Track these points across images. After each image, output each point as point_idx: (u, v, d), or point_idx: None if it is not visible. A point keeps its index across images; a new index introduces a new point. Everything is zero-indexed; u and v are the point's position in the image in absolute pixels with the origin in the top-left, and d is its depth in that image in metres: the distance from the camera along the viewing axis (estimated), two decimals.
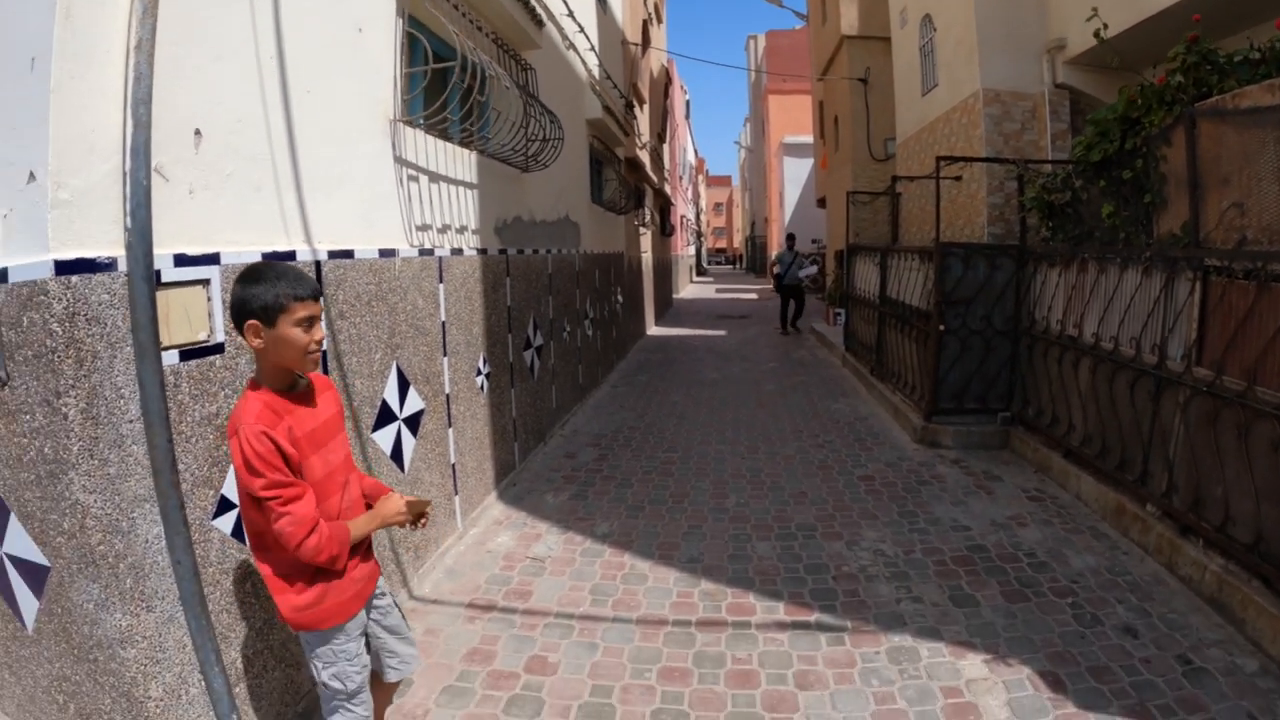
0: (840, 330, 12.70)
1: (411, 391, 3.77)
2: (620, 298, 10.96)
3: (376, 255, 3.40)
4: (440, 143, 4.21)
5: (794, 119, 28.37)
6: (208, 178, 2.35)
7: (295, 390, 1.99)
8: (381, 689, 2.34)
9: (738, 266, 57.04)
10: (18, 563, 2.19)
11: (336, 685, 2.06)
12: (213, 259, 2.33)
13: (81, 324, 1.89)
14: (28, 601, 2.23)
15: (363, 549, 2.12)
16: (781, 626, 3.44)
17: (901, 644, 3.26)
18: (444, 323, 4.19)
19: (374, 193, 3.45)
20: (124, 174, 1.95)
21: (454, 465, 4.35)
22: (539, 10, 5.55)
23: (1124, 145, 4.75)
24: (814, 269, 14.60)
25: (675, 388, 9.19)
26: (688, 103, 30.50)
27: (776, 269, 14.43)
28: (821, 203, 19.43)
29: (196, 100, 2.28)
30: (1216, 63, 4.17)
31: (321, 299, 1.99)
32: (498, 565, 4.12)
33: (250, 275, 1.87)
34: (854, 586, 3.80)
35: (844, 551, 4.22)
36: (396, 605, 2.36)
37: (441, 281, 4.15)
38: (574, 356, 7.71)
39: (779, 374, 10.11)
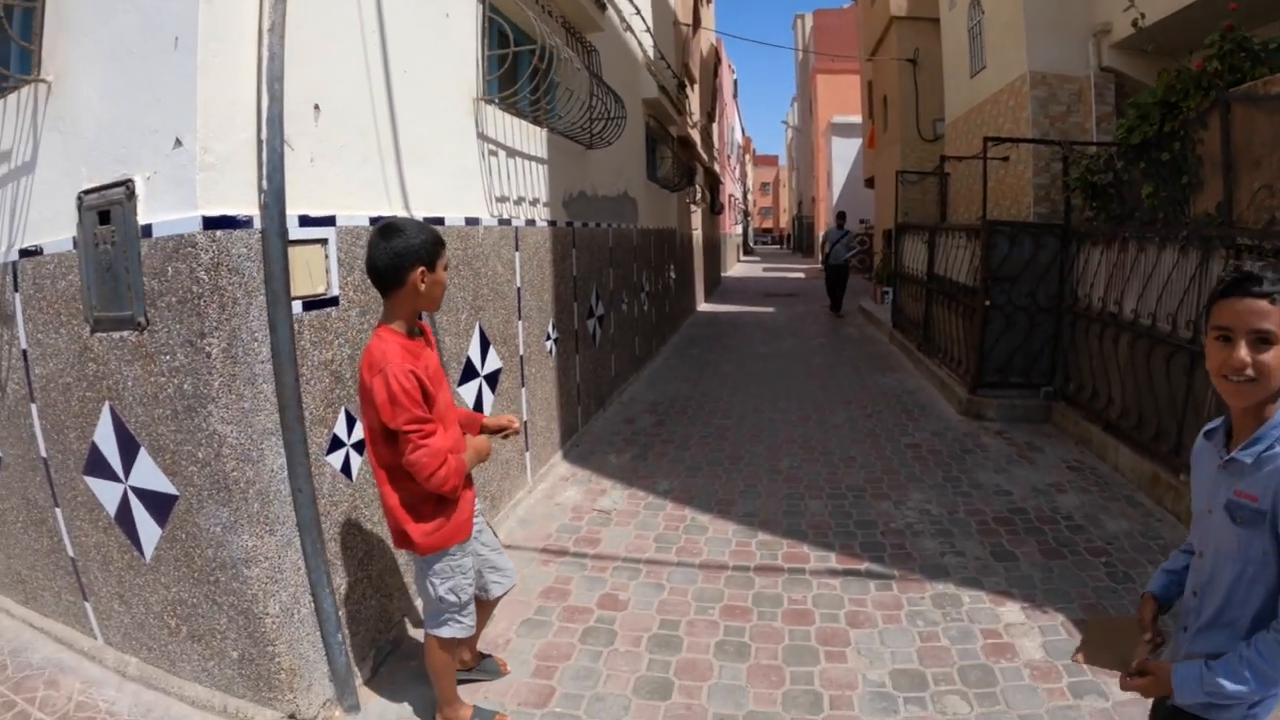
0: (887, 308, 12.80)
1: (491, 351, 4.13)
2: (673, 273, 11.23)
3: (463, 223, 3.75)
4: (515, 121, 4.53)
5: (842, 98, 28.05)
6: (325, 148, 2.69)
7: (414, 335, 2.23)
8: (483, 607, 2.66)
9: (784, 246, 56.63)
10: (143, 494, 2.52)
11: (451, 599, 2.33)
12: (330, 221, 2.68)
13: (224, 273, 2.22)
14: (149, 530, 2.55)
15: (469, 496, 2.42)
16: (834, 574, 3.72)
17: (945, 591, 3.52)
18: (519, 289, 4.54)
19: (460, 166, 3.79)
20: (260, 142, 2.29)
21: (525, 423, 4.71)
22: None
23: (1163, 128, 4.86)
24: (857, 249, 14.33)
25: (727, 360, 9.46)
26: (735, 82, 30.35)
27: (825, 247, 13.94)
28: (869, 183, 19.34)
29: (315, 77, 2.60)
30: (1251, 50, 4.27)
31: None
32: (566, 516, 4.48)
33: (400, 229, 2.14)
34: (901, 541, 4.07)
35: (891, 510, 4.48)
36: (489, 525, 2.67)
37: (517, 250, 4.49)
38: (631, 328, 8.03)
39: (827, 349, 10.30)
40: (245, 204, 2.31)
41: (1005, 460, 5.34)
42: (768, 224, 74.28)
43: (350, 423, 2.81)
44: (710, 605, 3.42)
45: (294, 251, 2.46)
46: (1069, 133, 7.19)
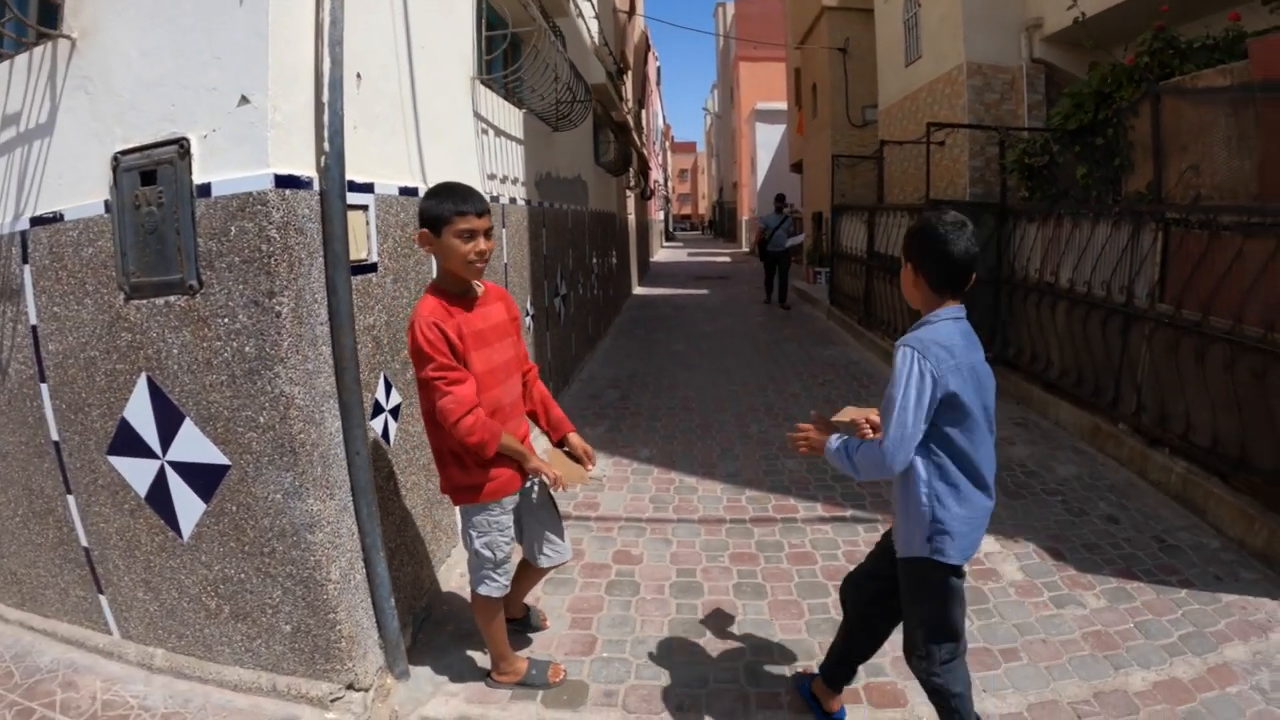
0: (821, 288, 13.35)
1: None
2: (614, 256, 11.39)
3: None
4: (500, 102, 4.60)
5: (764, 85, 28.77)
6: (364, 116, 2.72)
7: (467, 295, 2.32)
8: (534, 571, 2.77)
9: (705, 232, 57.51)
10: (185, 468, 2.45)
11: (486, 554, 2.40)
12: (369, 188, 2.72)
13: (293, 233, 2.23)
14: (190, 507, 2.48)
15: (526, 445, 2.48)
16: (823, 520, 4.01)
17: None
18: (506, 264, 4.62)
19: (462, 142, 3.85)
20: (322, 104, 2.32)
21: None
22: None
23: (1097, 116, 5.36)
24: (801, 237, 11.87)
25: (675, 339, 9.71)
26: (658, 69, 30.61)
27: (763, 234, 12.31)
28: (795, 167, 19.96)
29: (357, 47, 2.61)
30: (1178, 47, 4.80)
31: (488, 215, 2.30)
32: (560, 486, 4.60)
33: (430, 192, 2.28)
34: (877, 491, 4.39)
35: None
36: (552, 501, 2.71)
37: (504, 227, 4.57)
38: (586, 308, 8.16)
39: (768, 327, 10.71)
40: (307, 165, 2.32)
41: None
42: (686, 210, 75.22)
43: (388, 388, 2.87)
44: (719, 554, 3.64)
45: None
46: (1002, 119, 7.75)
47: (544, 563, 2.70)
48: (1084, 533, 3.81)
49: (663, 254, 31.22)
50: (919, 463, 1.97)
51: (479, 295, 2.37)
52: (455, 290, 2.31)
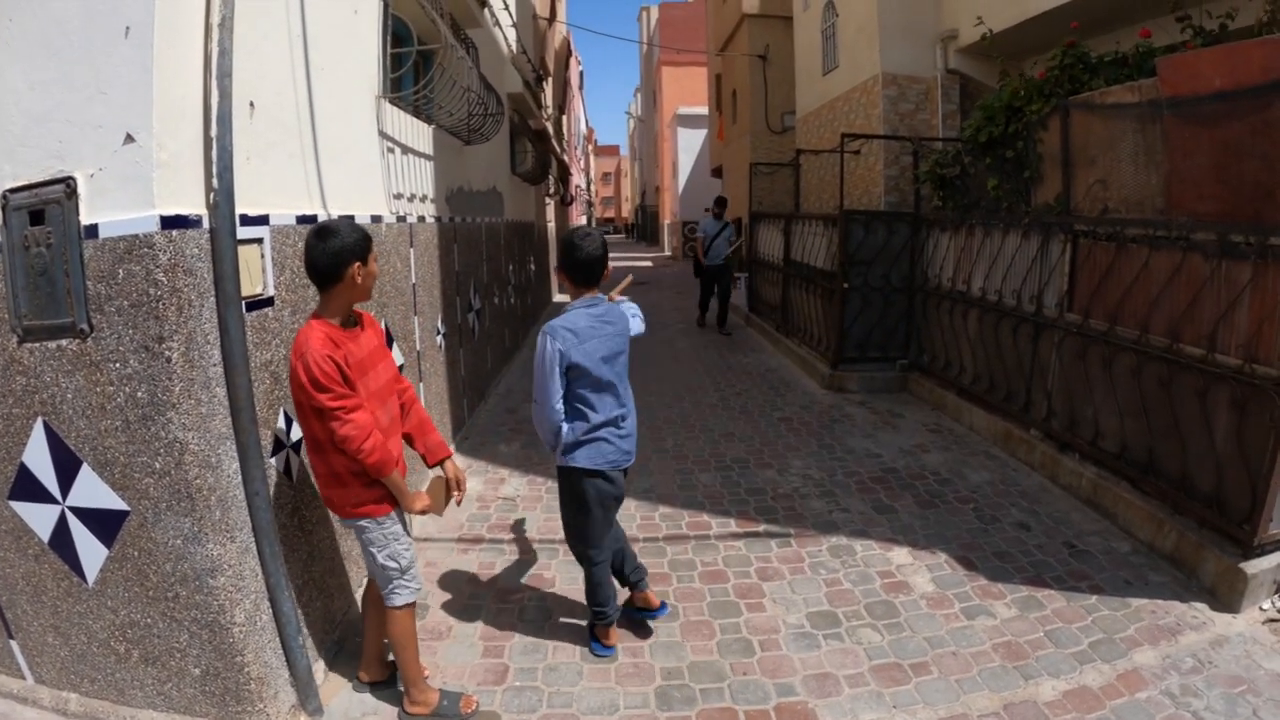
0: (739, 295, 13.51)
1: (394, 347, 4.06)
2: (532, 265, 11.24)
3: (369, 220, 3.67)
4: (408, 119, 4.46)
5: (687, 90, 29.03)
6: (258, 145, 2.59)
7: (349, 325, 2.36)
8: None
9: (628, 236, 57.63)
10: (85, 514, 2.35)
11: (391, 565, 2.45)
12: (264, 220, 2.59)
13: (181, 275, 2.13)
14: (93, 552, 2.38)
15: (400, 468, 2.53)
16: (736, 536, 4.03)
17: (839, 543, 3.93)
18: (414, 284, 4.47)
19: (365, 162, 3.70)
20: (210, 139, 2.20)
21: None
22: None
23: (1008, 128, 5.56)
24: (737, 242, 9.57)
25: None
26: (581, 73, 30.49)
27: (700, 242, 10.26)
28: (716, 172, 20.21)
29: (249, 74, 2.50)
30: (1088, 63, 5.02)
31: None
32: (473, 506, 4.50)
33: (334, 230, 2.26)
34: (791, 504, 4.45)
35: (776, 478, 4.87)
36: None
37: (412, 246, 4.42)
38: (502, 320, 8.01)
39: (688, 334, 10.76)
40: (195, 203, 2.21)
41: (871, 427, 5.92)
42: (610, 214, 75.26)
43: (289, 423, 2.75)
44: None
45: (241, 250, 2.39)
46: (917, 129, 7.98)
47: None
48: (995, 541, 3.92)
49: None
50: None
51: (356, 322, 2.42)
52: (341, 319, 2.33)
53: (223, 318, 2.24)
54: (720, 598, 3.40)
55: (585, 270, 2.75)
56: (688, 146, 27.57)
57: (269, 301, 2.62)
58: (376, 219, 3.78)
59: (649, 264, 26.69)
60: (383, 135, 3.94)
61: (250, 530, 2.40)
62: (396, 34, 4.27)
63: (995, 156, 5.78)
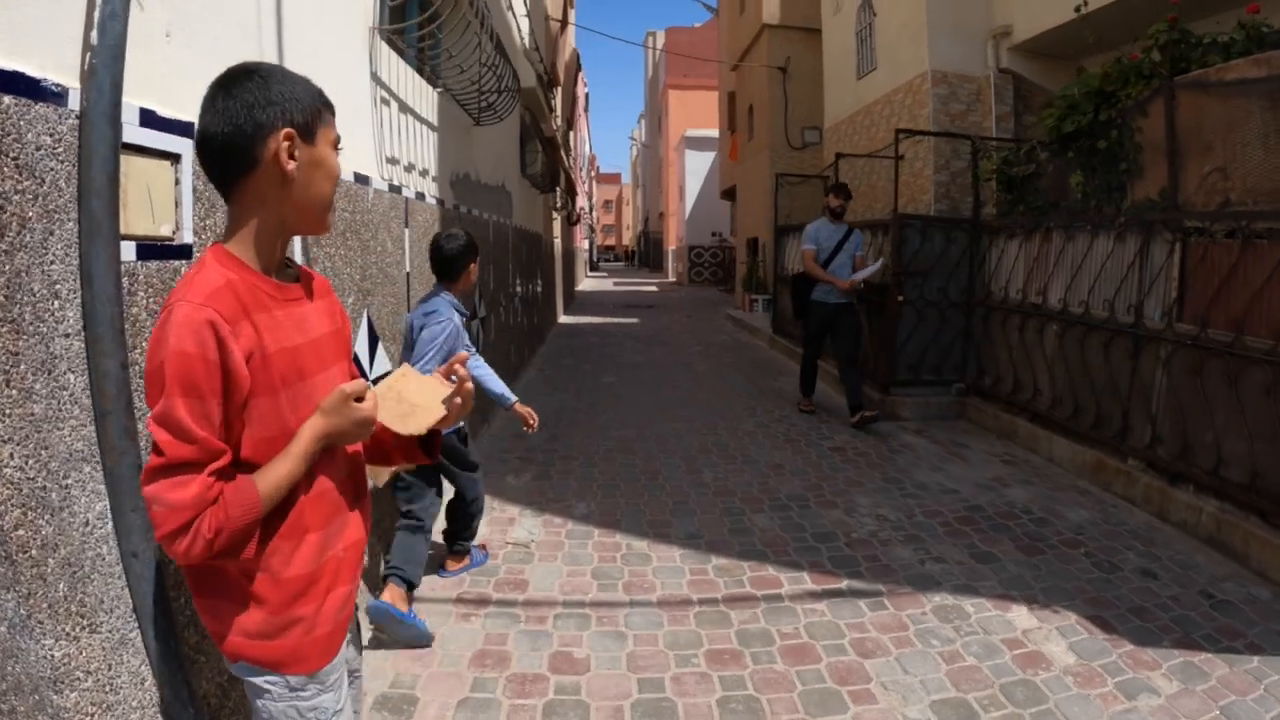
0: (759, 316, 12.77)
1: (380, 349, 3.23)
2: (540, 281, 10.47)
3: (352, 179, 2.86)
4: (410, 74, 3.73)
5: (694, 113, 28.53)
6: (191, 26, 1.78)
7: (283, 277, 1.25)
8: None
9: (629, 263, 57.23)
10: None
11: None
12: (187, 129, 1.71)
13: (8, 171, 1.24)
14: None
15: (344, 532, 1.31)
16: (814, 596, 3.17)
17: (944, 603, 3.09)
18: (409, 274, 3.66)
19: (351, 104, 2.91)
20: None
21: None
22: None
23: (1096, 117, 4.84)
24: (878, 265, 6.01)
25: (605, 370, 8.82)
26: (586, 95, 30.13)
27: (809, 254, 6.09)
28: (726, 194, 19.56)
29: None
30: (1193, 41, 4.31)
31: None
32: (477, 555, 3.63)
33: (255, 73, 1.17)
34: (871, 552, 3.60)
35: (845, 519, 4.02)
36: (356, 627, 1.52)
37: (407, 226, 3.61)
38: (507, 335, 7.20)
39: (706, 357, 9.95)
40: (60, 65, 1.36)
41: (937, 459, 5.09)
42: (610, 242, 74.96)
43: None
44: (690, 653, 2.74)
45: (131, 163, 1.53)
46: (969, 131, 7.30)
47: None
48: (1124, 594, 3.17)
49: (588, 283, 30.37)
50: None
51: (298, 279, 1.29)
52: (268, 261, 1.21)
53: (86, 260, 1.37)
54: (814, 684, 2.52)
55: (443, 266, 3.02)
56: (695, 170, 26.99)
57: (183, 251, 1.75)
58: (363, 179, 2.97)
59: (654, 289, 26.06)
60: (376, 80, 3.16)
61: (130, 611, 1.48)
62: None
63: (1080, 150, 5.05)
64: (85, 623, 1.35)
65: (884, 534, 3.82)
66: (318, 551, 1.24)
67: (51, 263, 1.33)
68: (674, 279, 31.22)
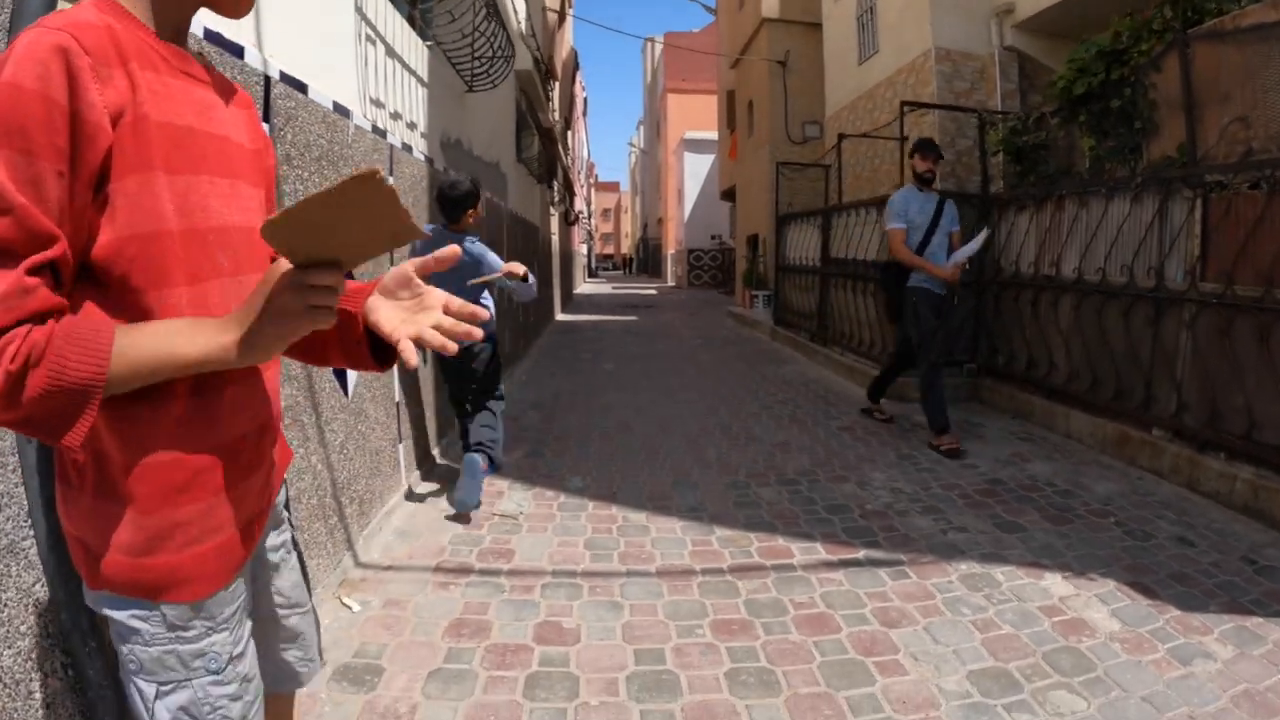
0: (760, 311, 12.55)
1: None
2: (537, 271, 10.22)
3: (330, 107, 2.62)
4: (399, 20, 3.48)
5: (692, 117, 28.40)
6: None
7: (179, 45, 0.93)
8: (273, 702, 1.17)
9: (627, 271, 57.11)
10: None
11: None
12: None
13: None
14: None
15: (255, 419, 1.00)
16: (829, 566, 2.91)
17: (971, 571, 2.84)
18: None
19: (331, 30, 2.70)
20: None
21: (399, 404, 3.55)
22: None
23: (1108, 77, 4.64)
24: (982, 238, 4.67)
25: (604, 360, 8.58)
26: (585, 100, 30.03)
27: (897, 235, 4.71)
28: (727, 195, 19.38)
29: None
30: None
31: None
32: (459, 525, 3.37)
33: None
34: (888, 522, 3.34)
35: (858, 492, 3.77)
36: (297, 547, 1.23)
37: (392, 175, 3.37)
38: (502, 319, 6.93)
39: (708, 348, 9.71)
40: None
41: None
42: (609, 250, 74.89)
43: None
44: (694, 623, 2.47)
45: None
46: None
47: (288, 684, 1.20)
48: (1162, 560, 2.94)
49: (586, 287, 30.15)
50: None
51: (207, 66, 0.98)
52: (167, 22, 0.90)
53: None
54: (835, 655, 2.26)
55: (445, 205, 3.39)
56: (694, 172, 26.83)
57: None
58: (343, 111, 2.73)
59: (653, 292, 25.85)
60: (360, 14, 2.94)
61: (19, 514, 1.19)
62: None
63: (1092, 113, 4.84)
64: None
65: (900, 505, 3.56)
66: (209, 425, 0.92)
67: None
68: (673, 283, 31.02)
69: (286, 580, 1.15)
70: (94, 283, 0.81)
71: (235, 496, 0.96)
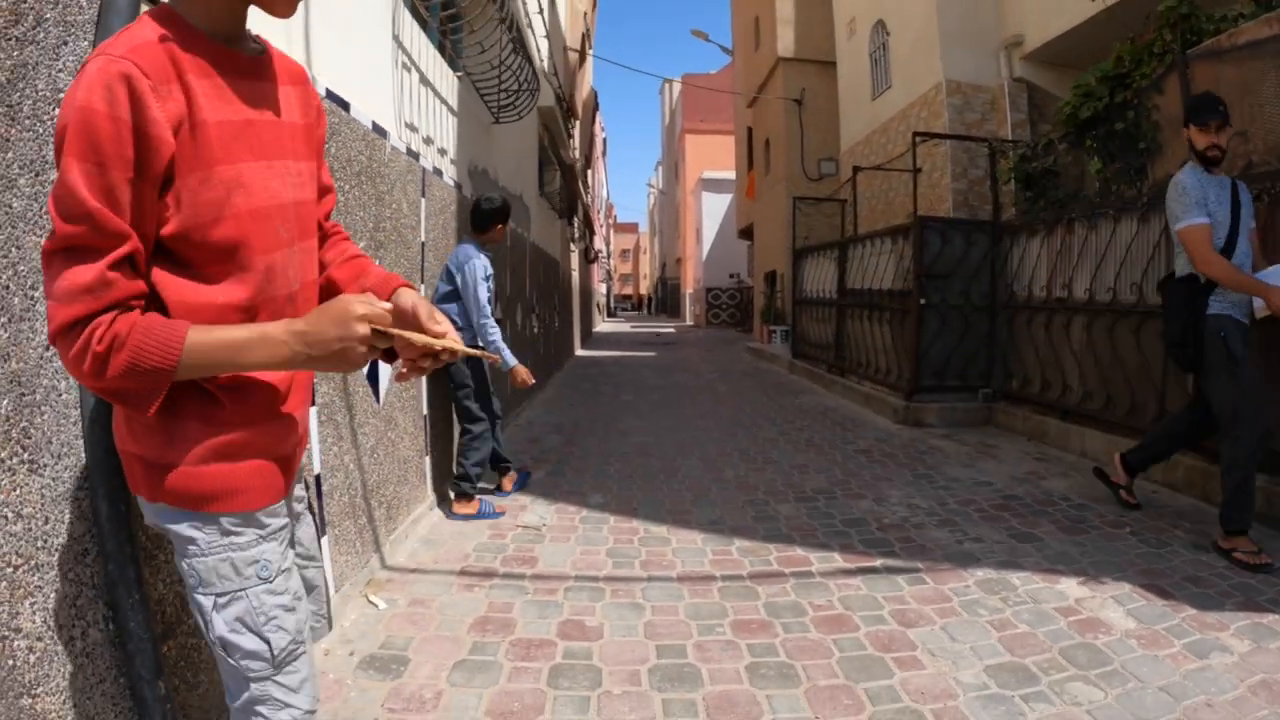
0: (778, 346, 12.64)
1: None
2: (557, 306, 10.41)
3: (370, 127, 2.79)
4: (431, 50, 3.74)
5: (710, 157, 28.92)
6: None
7: (233, 44, 1.04)
8: None
9: (645, 311, 57.46)
10: None
11: (251, 644, 1.04)
12: None
13: None
14: None
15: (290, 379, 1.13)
16: (847, 573, 2.95)
17: (988, 577, 2.87)
18: (423, 244, 3.57)
19: (373, 60, 2.90)
20: None
21: (426, 416, 3.67)
22: None
23: (1112, 100, 4.78)
24: None
25: (623, 391, 8.68)
26: (604, 141, 30.69)
27: (1200, 235, 3.02)
28: (744, 233, 19.63)
29: None
30: (1204, 17, 4.29)
31: None
32: (484, 535, 3.45)
33: None
34: (905, 534, 3.38)
35: (875, 508, 3.81)
36: (311, 509, 1.35)
37: (424, 196, 3.54)
38: (525, 346, 7.08)
39: (726, 380, 9.79)
40: None
41: (967, 457, 4.86)
42: (628, 290, 75.47)
43: None
44: (715, 622, 2.53)
45: None
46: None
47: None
48: (1176, 565, 2.97)
49: (604, 326, 30.40)
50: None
51: (261, 55, 1.09)
52: (220, 26, 1.01)
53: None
54: (854, 651, 2.30)
55: (478, 218, 3.70)
56: (712, 211, 27.18)
57: None
58: (380, 131, 2.90)
59: (671, 330, 26.03)
60: (397, 43, 3.14)
61: (76, 465, 1.27)
62: None
63: (1098, 136, 4.97)
64: (26, 457, 1.19)
65: (916, 519, 3.60)
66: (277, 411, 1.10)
67: (60, 71, 1.26)
68: (691, 321, 31.20)
69: (305, 532, 1.28)
70: (171, 261, 0.96)
71: (277, 430, 1.10)
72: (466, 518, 3.65)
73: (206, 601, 1.03)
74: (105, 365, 0.86)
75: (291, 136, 1.11)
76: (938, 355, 6.04)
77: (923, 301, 5.92)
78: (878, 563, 3.05)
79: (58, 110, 1.23)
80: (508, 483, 4.09)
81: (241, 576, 1.04)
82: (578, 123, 13.35)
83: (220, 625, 1.03)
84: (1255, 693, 2.00)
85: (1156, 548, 3.15)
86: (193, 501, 1.01)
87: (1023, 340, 5.61)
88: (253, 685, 1.05)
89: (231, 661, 1.04)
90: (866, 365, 7.25)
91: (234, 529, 1.03)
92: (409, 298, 1.13)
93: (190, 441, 1.00)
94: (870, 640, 2.36)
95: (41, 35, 1.21)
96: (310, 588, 1.28)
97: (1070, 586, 2.76)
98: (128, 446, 1.04)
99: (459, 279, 3.56)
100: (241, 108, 1.01)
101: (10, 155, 1.16)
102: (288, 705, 1.07)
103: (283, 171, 1.07)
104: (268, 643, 1.05)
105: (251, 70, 1.05)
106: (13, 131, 1.16)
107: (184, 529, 1.02)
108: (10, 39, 1.15)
